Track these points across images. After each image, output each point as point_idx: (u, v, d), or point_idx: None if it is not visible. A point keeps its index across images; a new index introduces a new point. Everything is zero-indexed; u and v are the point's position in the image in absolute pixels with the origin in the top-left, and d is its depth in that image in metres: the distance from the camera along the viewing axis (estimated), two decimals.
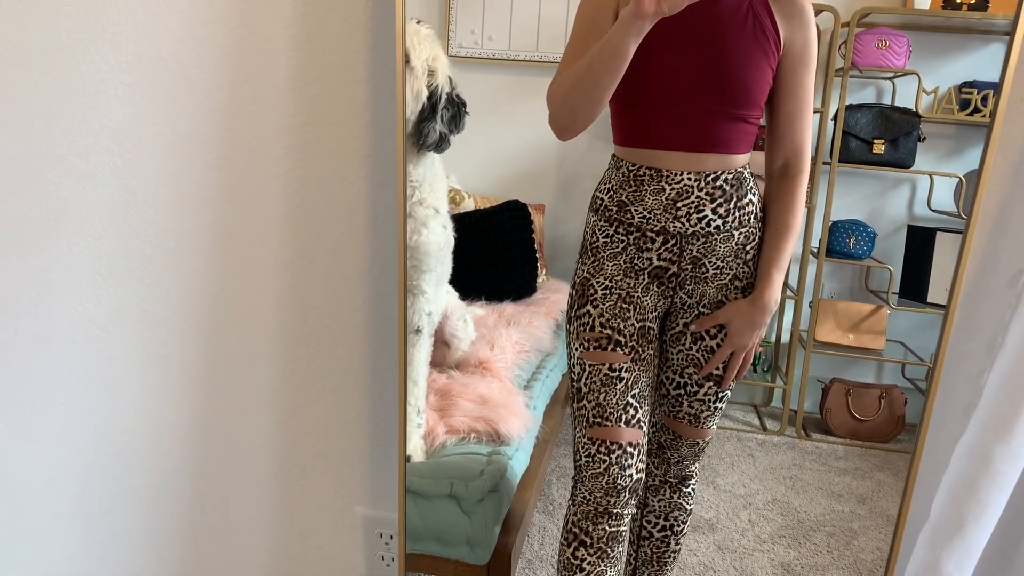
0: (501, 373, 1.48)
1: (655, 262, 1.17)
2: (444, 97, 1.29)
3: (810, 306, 1.54)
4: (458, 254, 1.45)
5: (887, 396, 1.56)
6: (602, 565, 1.21)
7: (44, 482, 1.53)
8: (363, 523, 1.41)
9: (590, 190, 1.27)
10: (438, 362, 1.49)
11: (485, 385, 1.45)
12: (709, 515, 1.56)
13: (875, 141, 1.47)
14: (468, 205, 1.57)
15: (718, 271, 1.18)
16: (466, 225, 1.50)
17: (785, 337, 1.57)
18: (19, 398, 1.46)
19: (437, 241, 1.38)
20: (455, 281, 1.48)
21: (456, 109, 1.32)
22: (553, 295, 1.59)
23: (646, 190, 1.15)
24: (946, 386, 1.08)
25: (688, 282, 1.19)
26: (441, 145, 1.31)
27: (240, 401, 1.39)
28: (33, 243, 1.36)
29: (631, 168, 1.16)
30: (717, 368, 1.24)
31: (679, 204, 1.14)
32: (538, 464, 1.46)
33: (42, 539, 1.58)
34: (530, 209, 1.55)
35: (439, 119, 1.29)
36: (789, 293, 1.53)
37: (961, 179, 1.45)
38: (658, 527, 1.36)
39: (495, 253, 1.58)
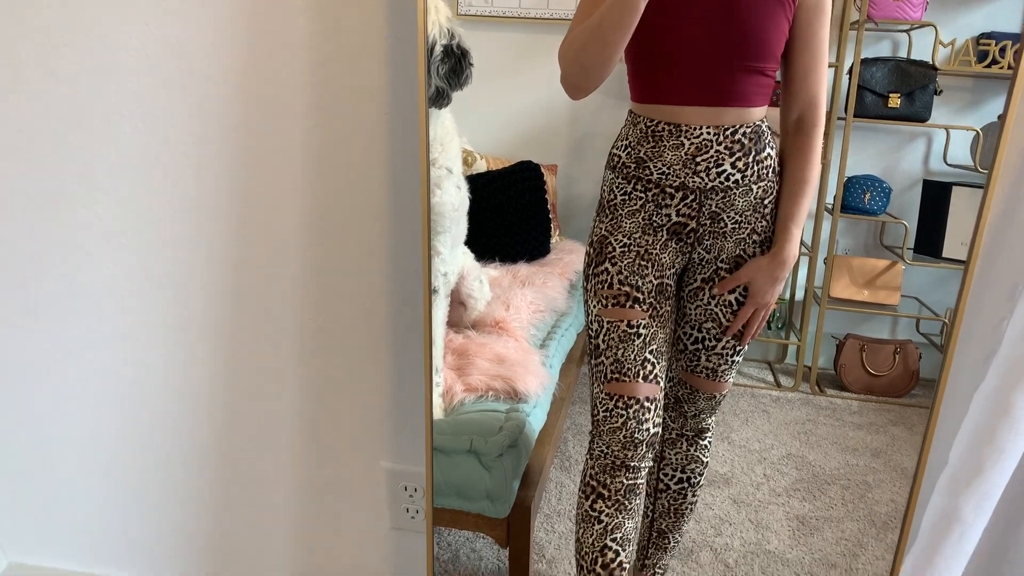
0: (517, 332, 1.49)
1: (674, 218, 1.17)
2: (440, 48, 1.23)
3: (825, 262, 1.53)
4: (471, 215, 1.45)
5: (902, 351, 1.57)
6: (620, 516, 1.23)
7: (76, 442, 1.55)
8: (388, 477, 1.43)
9: (603, 149, 1.27)
10: (454, 322, 1.49)
11: (502, 344, 1.46)
12: (724, 470, 1.58)
13: (891, 95, 1.45)
14: (480, 166, 1.57)
15: (737, 226, 1.18)
16: (479, 186, 1.50)
17: (800, 294, 1.57)
18: (51, 360, 1.48)
19: (451, 202, 1.37)
20: (469, 242, 1.48)
21: (455, 62, 1.25)
22: (567, 256, 1.59)
23: (665, 145, 1.15)
24: (965, 335, 1.08)
25: (707, 237, 1.19)
26: (439, 100, 1.25)
27: (264, 360, 1.40)
28: (60, 208, 1.36)
29: (649, 124, 1.16)
30: (727, 316, 1.24)
31: (698, 159, 1.13)
32: (555, 421, 1.48)
33: (74, 497, 1.62)
34: (543, 169, 1.54)
35: (435, 72, 1.22)
36: (804, 250, 1.53)
37: (978, 132, 1.43)
38: (675, 479, 1.38)
39: (508, 214, 1.58)
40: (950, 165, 1.47)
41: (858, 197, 1.50)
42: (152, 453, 1.53)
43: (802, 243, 1.51)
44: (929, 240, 1.49)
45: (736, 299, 1.23)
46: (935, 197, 1.48)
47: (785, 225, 1.20)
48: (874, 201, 1.50)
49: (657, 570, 1.47)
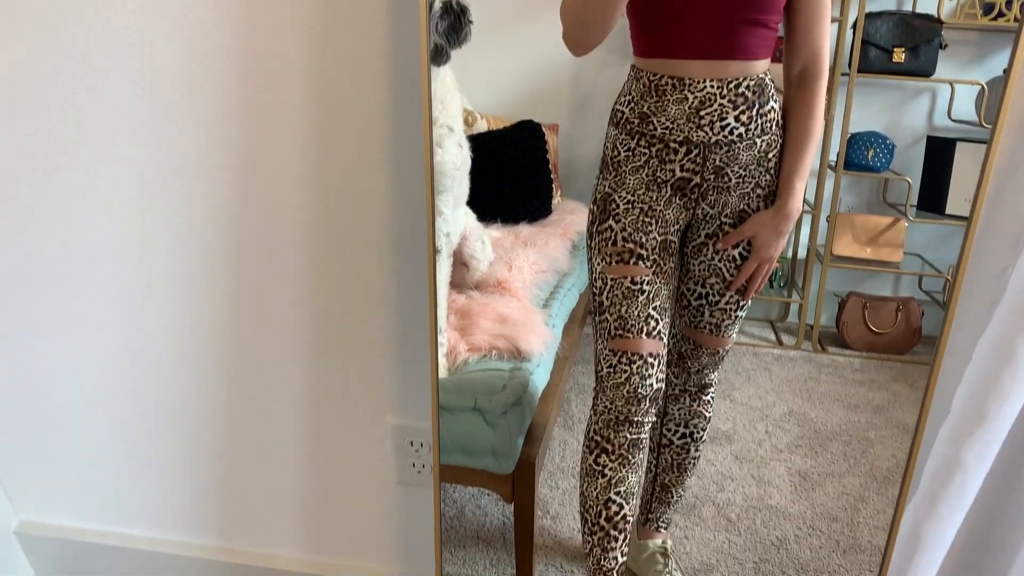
0: (519, 293, 1.49)
1: (678, 173, 1.17)
2: (440, 5, 1.21)
3: (827, 220, 1.53)
4: (472, 176, 1.44)
5: (904, 308, 1.57)
6: (623, 471, 1.24)
7: (84, 402, 1.57)
8: (394, 432, 1.44)
9: (605, 108, 1.26)
10: (457, 283, 1.49)
11: (504, 304, 1.46)
12: (726, 427, 1.59)
13: (895, 50, 1.44)
14: (481, 126, 1.55)
15: (741, 180, 1.18)
16: (479, 147, 1.49)
17: (802, 252, 1.56)
18: (59, 321, 1.49)
19: (453, 161, 1.36)
20: (470, 203, 1.47)
21: (454, 18, 1.24)
22: (568, 216, 1.58)
23: (668, 100, 1.14)
24: (968, 289, 1.08)
25: (711, 193, 1.19)
26: (438, 58, 1.24)
27: (269, 317, 1.41)
28: (60, 167, 1.35)
29: (652, 78, 1.15)
30: (731, 272, 1.25)
31: (702, 112, 1.13)
32: (558, 380, 1.49)
33: (83, 457, 1.63)
34: (544, 129, 1.53)
35: (433, 29, 1.20)
36: (806, 207, 1.53)
37: (983, 86, 1.42)
38: (678, 435, 1.39)
39: (509, 175, 1.57)
40: (954, 121, 1.46)
41: (861, 154, 1.49)
42: (160, 412, 1.54)
43: (805, 200, 1.50)
44: (932, 196, 1.48)
45: (740, 254, 1.23)
46: (939, 153, 1.47)
47: (788, 179, 1.20)
48: (877, 158, 1.49)
49: (660, 524, 1.49)
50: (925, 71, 1.43)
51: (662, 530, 1.49)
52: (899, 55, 1.43)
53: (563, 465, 1.59)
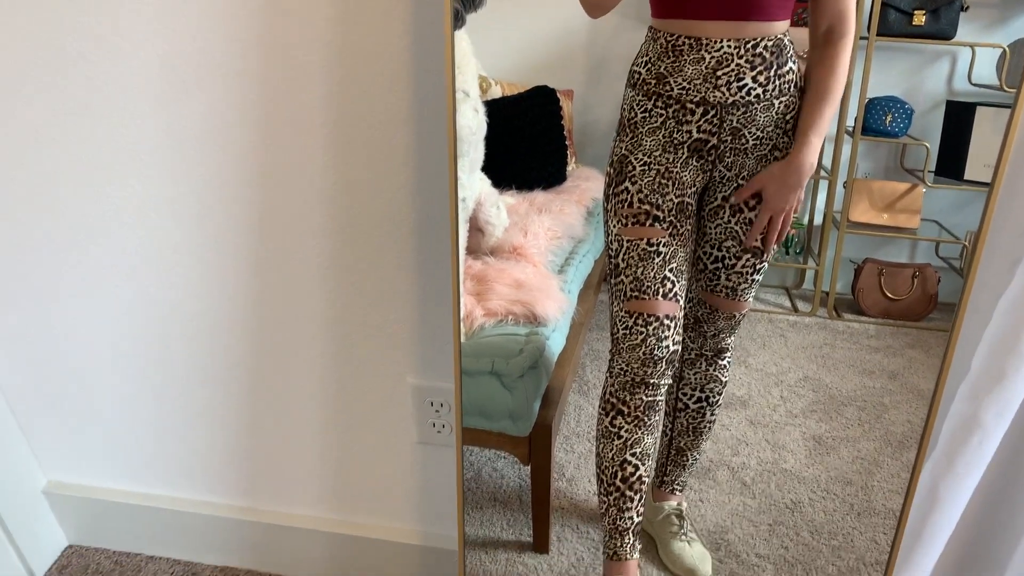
0: (535, 258, 1.49)
1: (695, 134, 1.16)
2: None
3: (844, 186, 1.52)
4: (487, 142, 1.44)
5: (920, 275, 1.56)
6: (639, 432, 1.25)
7: (109, 362, 1.59)
8: (414, 392, 1.45)
9: (621, 74, 1.25)
10: (473, 249, 1.50)
11: (520, 270, 1.47)
12: (741, 392, 1.59)
13: (915, 12, 1.42)
14: (495, 92, 1.55)
15: (758, 142, 1.18)
16: (493, 112, 1.48)
17: (818, 219, 1.56)
18: (82, 280, 1.50)
19: (468, 125, 1.36)
20: (485, 170, 1.47)
21: None
22: (583, 183, 1.58)
23: (685, 60, 1.13)
24: (990, 247, 1.08)
25: (728, 154, 1.18)
26: (454, 22, 1.22)
27: (291, 277, 1.42)
28: (79, 126, 1.36)
29: (669, 39, 1.14)
30: (757, 240, 1.24)
31: (719, 73, 1.12)
32: (573, 345, 1.49)
33: (109, 416, 1.66)
34: (559, 95, 1.52)
35: None
36: (823, 173, 1.52)
37: (1005, 49, 1.40)
38: (694, 399, 1.40)
39: (524, 141, 1.56)
40: (974, 85, 1.44)
41: (879, 119, 1.48)
42: (184, 371, 1.56)
43: (821, 166, 1.49)
44: (951, 162, 1.47)
45: (756, 216, 1.23)
46: (958, 118, 1.46)
47: (804, 132, 1.18)
48: (895, 123, 1.48)
49: (675, 487, 1.50)
50: (946, 34, 1.41)
51: (677, 493, 1.51)
52: (919, 18, 1.41)
53: (578, 430, 1.60)
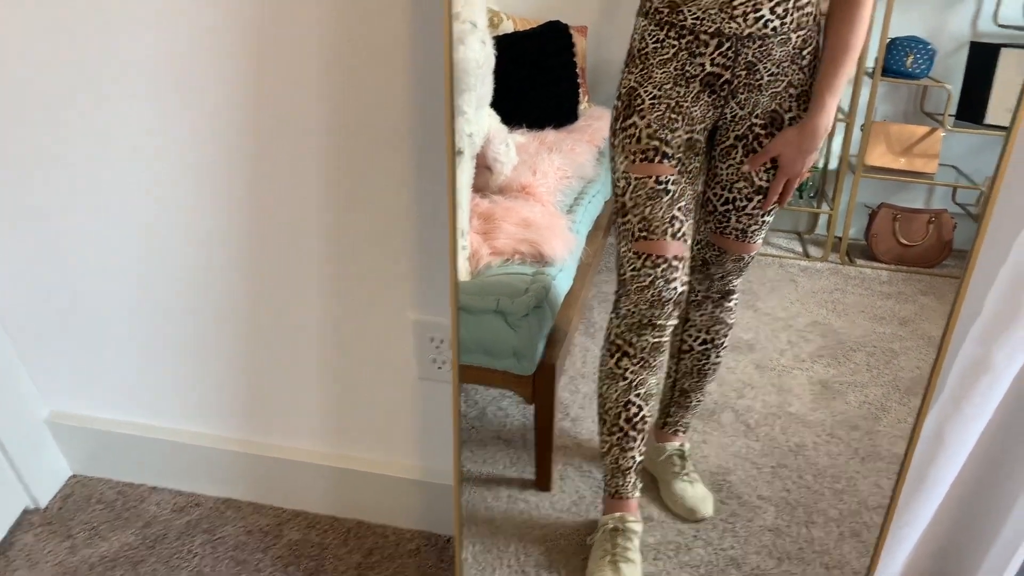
0: (544, 197, 1.47)
1: (708, 68, 1.13)
2: None
3: (861, 129, 1.48)
4: (497, 79, 1.41)
5: (936, 221, 1.53)
6: (644, 373, 1.25)
7: (111, 294, 1.60)
8: (415, 328, 1.45)
9: (635, 9, 1.21)
10: (480, 187, 1.48)
11: (528, 209, 1.45)
12: (748, 336, 1.58)
13: None
14: (507, 27, 1.51)
15: (773, 78, 1.14)
16: (504, 48, 1.45)
17: (834, 163, 1.52)
18: (82, 211, 1.50)
19: (476, 58, 1.33)
20: (495, 107, 1.45)
21: None
22: (595, 122, 1.55)
23: None
24: (1008, 188, 1.05)
25: (741, 90, 1.15)
26: None
27: (289, 211, 1.41)
28: (80, 62, 1.34)
29: None
30: (760, 177, 1.22)
31: (735, 3, 1.08)
32: (580, 286, 1.48)
33: (111, 348, 1.68)
34: (572, 31, 1.49)
35: None
36: (840, 116, 1.48)
37: None
38: (699, 341, 1.39)
39: (535, 78, 1.53)
40: (1000, 26, 1.39)
41: (900, 60, 1.43)
42: (185, 305, 1.57)
43: (840, 109, 1.45)
44: (972, 105, 1.43)
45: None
46: (982, 60, 1.41)
47: (820, 94, 1.15)
48: (917, 64, 1.43)
49: (679, 428, 1.50)
50: None
51: (680, 434, 1.51)
52: None
53: (584, 371, 1.60)
